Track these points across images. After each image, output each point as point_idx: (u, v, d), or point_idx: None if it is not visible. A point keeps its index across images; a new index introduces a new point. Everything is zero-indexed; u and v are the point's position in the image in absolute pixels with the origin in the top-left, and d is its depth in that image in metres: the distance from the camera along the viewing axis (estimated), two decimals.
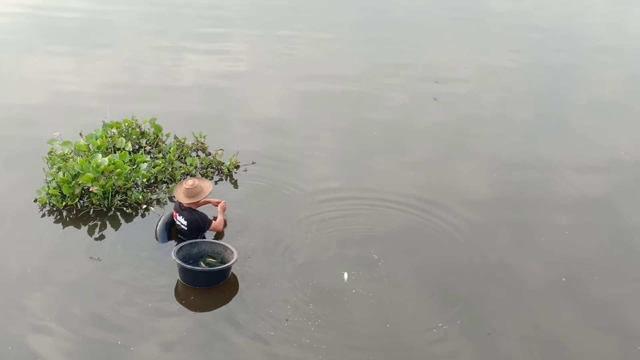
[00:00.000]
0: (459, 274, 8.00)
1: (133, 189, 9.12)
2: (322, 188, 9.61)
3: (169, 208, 8.85)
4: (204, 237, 8.21)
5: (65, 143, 9.53)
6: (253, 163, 10.06)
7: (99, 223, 8.68)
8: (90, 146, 9.51)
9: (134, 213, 8.87)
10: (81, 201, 8.92)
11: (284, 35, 16.07)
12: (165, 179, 9.49)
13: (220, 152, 10.01)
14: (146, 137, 10.25)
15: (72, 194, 8.77)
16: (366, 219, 8.95)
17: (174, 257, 7.54)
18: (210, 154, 10.16)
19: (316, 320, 7.21)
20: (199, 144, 10.25)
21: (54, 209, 8.84)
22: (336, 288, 7.68)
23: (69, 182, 8.78)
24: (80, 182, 8.75)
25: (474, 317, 7.37)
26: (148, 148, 10.05)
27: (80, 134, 10.07)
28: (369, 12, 18.04)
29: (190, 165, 9.68)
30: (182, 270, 7.61)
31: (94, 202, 8.84)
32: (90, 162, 8.90)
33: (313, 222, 8.78)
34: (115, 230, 8.58)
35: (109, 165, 8.87)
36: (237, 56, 14.70)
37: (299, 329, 7.10)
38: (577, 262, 8.31)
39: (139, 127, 10.33)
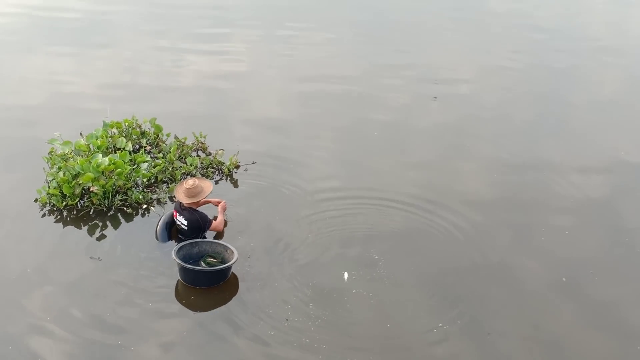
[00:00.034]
0: (459, 274, 8.00)
1: (133, 188, 9.12)
2: (322, 188, 9.61)
3: (170, 208, 8.85)
4: (205, 237, 8.21)
5: (66, 143, 9.54)
6: (253, 163, 10.06)
7: (99, 223, 8.68)
8: (91, 146, 9.52)
9: (134, 213, 8.87)
10: (81, 201, 8.92)
11: (284, 35, 16.07)
12: (166, 179, 9.49)
13: (220, 152, 10.02)
14: (146, 137, 10.25)
15: (73, 193, 8.77)
16: (366, 219, 8.95)
17: (174, 257, 7.54)
18: (210, 153, 10.16)
19: (316, 320, 7.21)
20: (199, 144, 10.25)
21: (54, 208, 8.85)
22: (336, 288, 7.68)
23: (69, 182, 8.78)
24: (80, 181, 8.75)
25: (474, 317, 7.37)
26: (148, 148, 10.05)
27: (81, 134, 10.08)
28: (369, 12, 18.04)
29: (191, 165, 9.68)
30: (182, 270, 7.61)
31: (94, 202, 8.84)
32: (90, 162, 8.90)
33: (313, 222, 8.78)
34: (116, 230, 8.58)
35: (109, 165, 8.87)
36: (237, 56, 14.69)
37: (299, 329, 7.10)
38: (577, 262, 8.31)
39: (139, 127, 10.34)
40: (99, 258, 8.04)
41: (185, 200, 8.17)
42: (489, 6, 19.43)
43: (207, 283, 7.63)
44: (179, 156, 9.95)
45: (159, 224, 8.39)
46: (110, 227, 8.63)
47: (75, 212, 8.83)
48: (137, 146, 10.09)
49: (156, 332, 7.06)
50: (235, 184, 9.68)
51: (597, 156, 10.85)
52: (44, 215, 8.79)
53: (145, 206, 8.95)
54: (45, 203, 8.88)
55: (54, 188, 8.82)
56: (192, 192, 8.17)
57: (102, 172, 8.83)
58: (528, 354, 7.01)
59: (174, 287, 7.66)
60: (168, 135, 10.29)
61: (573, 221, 9.11)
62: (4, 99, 12.33)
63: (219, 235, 8.44)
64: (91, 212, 8.82)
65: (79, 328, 7.05)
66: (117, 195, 8.95)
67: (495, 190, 9.83)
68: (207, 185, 8.40)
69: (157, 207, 9.00)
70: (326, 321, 7.21)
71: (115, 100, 11.94)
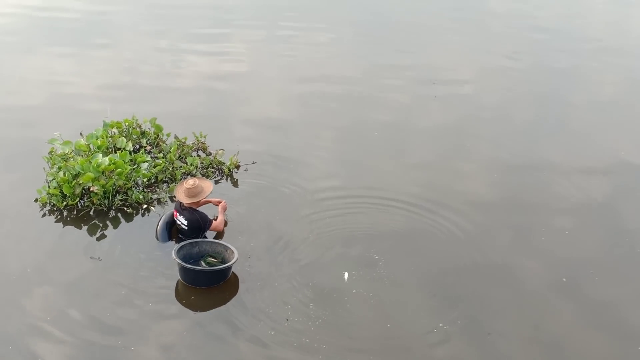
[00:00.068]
0: (459, 274, 7.99)
1: (134, 188, 9.12)
2: (322, 188, 9.61)
3: (170, 208, 8.84)
4: (205, 237, 8.21)
5: (66, 143, 9.53)
6: (253, 163, 10.06)
7: (99, 223, 8.68)
8: (91, 146, 9.52)
9: (134, 213, 8.87)
10: (82, 201, 8.92)
11: (284, 35, 16.07)
12: (166, 179, 9.49)
13: (220, 151, 10.02)
14: (147, 137, 10.25)
15: (73, 193, 8.77)
16: (367, 219, 8.95)
17: (174, 257, 7.54)
18: (210, 153, 10.16)
19: (316, 321, 7.21)
20: (200, 144, 10.25)
21: (55, 208, 8.84)
22: (337, 288, 7.68)
23: (69, 182, 8.78)
24: (80, 181, 8.75)
25: (474, 317, 7.36)
26: (148, 148, 10.05)
27: (81, 134, 10.08)
28: (369, 12, 18.05)
29: (191, 165, 9.68)
30: (183, 270, 7.61)
31: (94, 201, 8.84)
32: (90, 162, 8.90)
33: (313, 222, 8.78)
34: (116, 230, 8.58)
35: (109, 165, 8.87)
36: (237, 57, 14.70)
37: (299, 329, 7.09)
38: (578, 262, 8.30)
39: (140, 126, 10.33)
40: (99, 258, 8.03)
41: (185, 200, 8.16)
42: (489, 6, 19.44)
43: (207, 283, 7.63)
44: (179, 156, 9.95)
45: (159, 223, 8.39)
46: (110, 227, 8.63)
47: (75, 212, 8.82)
48: (138, 146, 10.09)
49: (156, 332, 7.06)
50: (235, 183, 9.68)
51: (597, 156, 10.85)
52: (44, 215, 8.79)
53: (145, 206, 8.95)
54: (46, 203, 8.88)
55: (54, 188, 8.82)
56: (192, 192, 8.17)
57: (103, 172, 8.82)
58: (528, 354, 7.00)
59: (174, 287, 7.66)
60: (168, 135, 10.29)
61: (573, 221, 9.11)
62: (4, 99, 12.33)
63: (220, 235, 8.44)
64: (91, 212, 8.82)
65: (78, 328, 7.04)
66: (118, 195, 8.95)
67: (496, 190, 9.83)
68: (208, 185, 8.40)
69: (158, 207, 9.00)
70: (326, 321, 7.21)
71: (116, 100, 11.95)
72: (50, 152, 9.56)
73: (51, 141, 9.65)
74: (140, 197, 8.95)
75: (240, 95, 12.76)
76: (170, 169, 9.57)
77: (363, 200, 9.36)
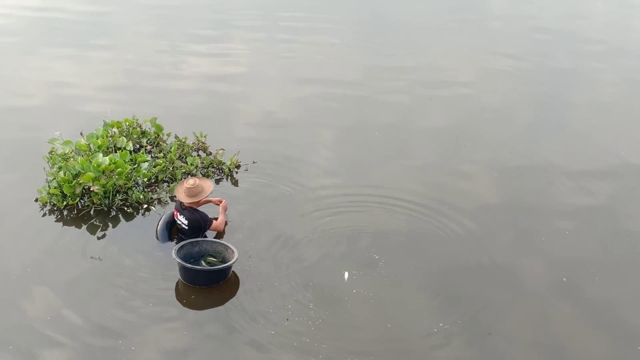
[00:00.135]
0: (460, 274, 7.98)
1: (134, 188, 9.12)
2: (322, 188, 9.61)
3: (170, 207, 8.84)
4: (206, 237, 8.20)
5: (66, 142, 9.53)
6: (254, 163, 10.06)
7: (99, 223, 8.67)
8: (91, 145, 9.51)
9: (134, 213, 8.86)
10: (82, 201, 8.92)
11: (284, 37, 16.08)
12: (166, 179, 9.49)
13: (221, 151, 10.02)
14: (147, 137, 10.25)
15: (73, 193, 8.77)
16: (367, 218, 8.94)
17: (175, 256, 7.54)
18: (211, 153, 10.16)
19: (317, 320, 7.20)
20: (200, 144, 10.25)
21: (55, 208, 8.84)
22: (337, 288, 7.67)
23: (69, 182, 8.78)
24: (81, 181, 8.75)
25: (475, 318, 7.35)
26: (149, 147, 10.05)
27: (81, 134, 10.08)
28: (369, 13, 18.05)
29: (191, 164, 9.67)
30: (183, 269, 7.61)
31: (94, 201, 8.84)
32: (91, 162, 8.90)
33: (314, 221, 8.78)
34: (116, 230, 8.58)
35: (109, 164, 8.87)
36: (237, 58, 14.71)
37: (299, 329, 7.08)
38: (578, 263, 8.29)
39: (140, 126, 10.33)
40: (99, 258, 8.03)
41: (185, 200, 8.16)
42: (490, 7, 19.44)
43: (208, 282, 7.62)
44: (180, 156, 9.95)
45: (160, 223, 8.38)
46: (110, 227, 8.62)
47: (75, 212, 8.82)
48: (138, 146, 10.09)
49: (156, 333, 7.04)
50: (235, 183, 9.68)
51: (598, 157, 10.85)
52: (44, 214, 8.78)
53: (145, 206, 8.94)
54: (46, 203, 8.87)
55: (55, 188, 8.82)
56: (192, 192, 8.17)
57: (103, 172, 8.82)
58: (528, 354, 6.99)
59: (175, 286, 7.65)
60: (169, 134, 10.29)
61: (574, 221, 9.10)
62: (5, 99, 12.33)
63: (220, 234, 8.43)
64: (91, 212, 8.82)
65: (78, 328, 7.03)
66: (118, 195, 8.95)
67: (496, 191, 9.82)
68: (208, 184, 8.39)
69: (158, 206, 9.00)
70: (326, 321, 7.20)
71: (116, 100, 11.97)
72: (50, 152, 9.55)
73: (51, 141, 9.65)
74: (141, 196, 8.94)
75: (240, 95, 12.76)
76: (171, 169, 9.57)
77: (364, 200, 9.35)
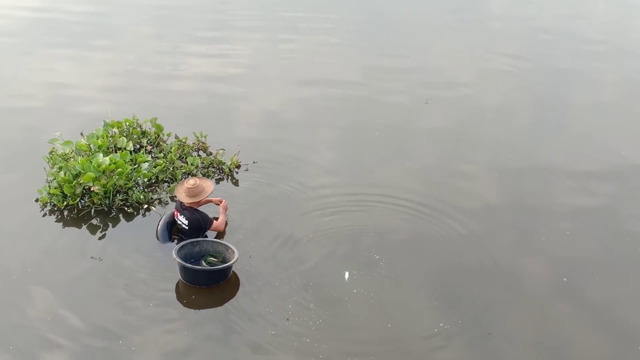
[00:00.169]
0: (460, 274, 7.98)
1: (134, 188, 9.11)
2: (323, 187, 9.61)
3: (170, 208, 8.84)
4: (206, 237, 8.20)
5: (67, 143, 9.53)
6: (254, 162, 10.06)
7: (100, 223, 8.67)
8: (92, 146, 9.51)
9: (135, 213, 8.86)
10: (82, 201, 8.92)
11: (284, 38, 16.08)
12: (167, 179, 9.48)
13: (221, 151, 10.02)
14: (147, 137, 10.25)
15: (73, 193, 8.76)
16: (368, 218, 8.94)
17: (175, 256, 7.53)
18: (211, 153, 10.16)
19: (317, 320, 7.20)
20: (200, 144, 10.25)
21: (55, 208, 8.84)
22: (337, 288, 7.67)
23: (70, 182, 8.77)
24: (81, 181, 8.74)
25: (475, 318, 7.35)
26: (149, 147, 10.04)
27: (82, 134, 10.08)
28: (370, 13, 18.05)
29: (192, 164, 9.67)
30: (183, 269, 7.60)
31: (95, 201, 8.83)
32: (91, 162, 8.89)
33: (314, 221, 8.78)
34: (116, 230, 8.57)
35: (110, 164, 8.87)
36: (238, 59, 14.69)
37: (299, 330, 7.08)
38: (579, 263, 8.29)
39: (140, 126, 10.33)
40: (99, 258, 8.02)
41: (186, 200, 8.16)
42: (490, 7, 19.44)
43: (208, 282, 7.62)
44: (180, 156, 9.95)
45: (160, 223, 8.38)
46: (110, 227, 8.62)
47: (75, 212, 8.82)
48: (138, 146, 10.09)
49: (157, 333, 7.04)
50: (236, 183, 9.68)
51: (598, 157, 10.84)
52: (44, 215, 8.78)
53: (146, 206, 8.94)
54: (46, 203, 8.87)
55: (55, 188, 8.81)
56: (193, 192, 8.17)
57: (103, 172, 8.82)
58: (529, 354, 6.99)
59: (175, 287, 7.65)
60: (169, 135, 10.28)
61: (574, 222, 9.09)
62: (5, 100, 12.32)
63: (220, 234, 8.43)
64: (92, 212, 8.82)
65: (78, 328, 7.03)
66: (118, 195, 8.94)
67: (496, 191, 9.82)
68: (208, 184, 8.39)
69: (158, 207, 8.99)
70: (327, 321, 7.19)
71: (116, 101, 11.96)
72: (50, 152, 9.56)
73: (52, 141, 9.65)
74: (141, 197, 8.94)
75: (240, 95, 12.76)
76: (171, 169, 9.57)
77: (364, 200, 9.35)
